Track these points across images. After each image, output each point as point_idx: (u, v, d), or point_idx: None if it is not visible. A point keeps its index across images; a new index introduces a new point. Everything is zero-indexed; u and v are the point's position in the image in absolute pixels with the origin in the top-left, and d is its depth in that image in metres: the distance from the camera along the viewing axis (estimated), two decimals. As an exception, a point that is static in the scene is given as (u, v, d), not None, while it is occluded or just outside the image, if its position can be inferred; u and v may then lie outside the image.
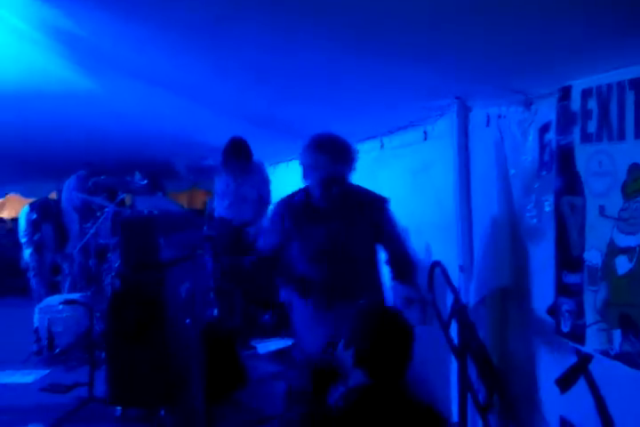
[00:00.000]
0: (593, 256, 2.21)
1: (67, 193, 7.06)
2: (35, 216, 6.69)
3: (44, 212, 6.75)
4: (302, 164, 2.83)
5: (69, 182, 7.10)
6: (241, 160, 5.21)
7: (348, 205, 2.83)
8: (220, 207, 5.75)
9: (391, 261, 3.03)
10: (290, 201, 2.96)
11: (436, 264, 3.08)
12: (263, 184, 5.73)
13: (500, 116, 2.83)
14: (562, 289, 2.40)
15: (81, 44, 3.07)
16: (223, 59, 3.03)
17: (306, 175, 2.84)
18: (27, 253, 6.80)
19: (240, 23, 2.39)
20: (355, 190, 2.91)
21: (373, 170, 4.48)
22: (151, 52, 3.09)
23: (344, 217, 2.81)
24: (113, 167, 6.48)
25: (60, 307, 5.08)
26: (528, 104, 2.64)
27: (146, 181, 5.67)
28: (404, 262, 3.00)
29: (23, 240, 6.75)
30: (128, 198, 6.40)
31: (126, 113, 4.74)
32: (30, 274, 6.93)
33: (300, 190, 2.94)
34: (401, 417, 1.71)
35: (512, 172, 2.80)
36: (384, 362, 1.81)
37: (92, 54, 3.27)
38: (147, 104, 4.39)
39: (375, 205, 2.95)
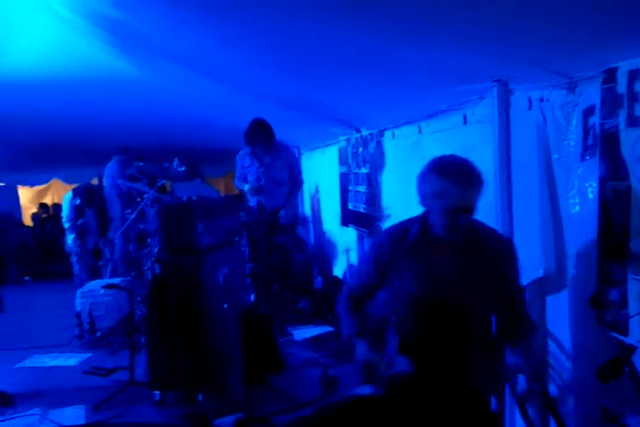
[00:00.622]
0: (638, 244, 2.13)
1: (108, 179, 7.16)
2: (78, 202, 6.80)
3: (88, 197, 6.85)
4: (422, 190, 2.39)
5: (110, 168, 7.20)
6: (263, 140, 5.26)
7: (473, 242, 2.34)
8: (252, 193, 5.72)
9: (504, 321, 2.51)
10: (403, 231, 2.49)
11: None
12: (292, 165, 5.71)
13: (542, 100, 2.74)
14: (605, 278, 2.34)
15: (124, 30, 3.10)
16: (263, 46, 3.03)
17: (425, 203, 2.39)
18: (70, 238, 6.94)
19: (280, 10, 2.37)
20: (479, 226, 2.42)
21: (410, 156, 4.43)
22: (192, 39, 3.10)
23: (468, 254, 2.32)
24: (152, 153, 6.55)
25: (102, 291, 5.18)
26: (572, 87, 2.55)
27: (184, 168, 5.71)
28: (519, 324, 2.48)
29: (67, 226, 6.88)
30: (167, 184, 6.47)
31: (166, 99, 4.78)
32: (73, 259, 7.08)
33: (416, 219, 2.48)
34: (445, 408, 1.67)
35: (554, 157, 2.72)
36: (430, 350, 1.76)
37: (134, 40, 3.30)
38: (187, 90, 4.42)
39: (503, 247, 2.41)
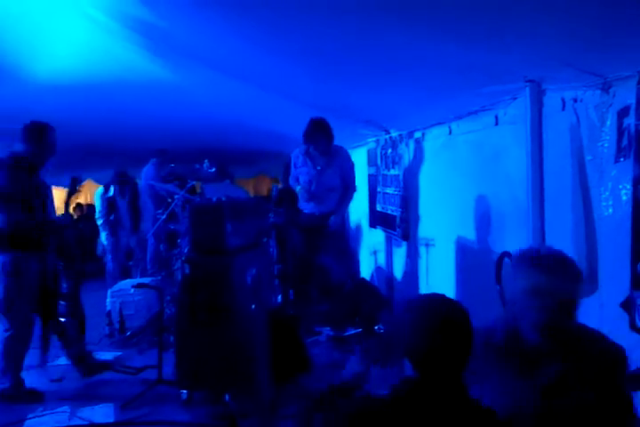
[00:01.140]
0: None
1: (143, 181, 7.21)
2: (110, 194, 6.78)
3: (120, 188, 6.81)
4: (518, 285, 1.96)
5: (146, 170, 7.26)
6: (320, 141, 4.98)
7: (577, 351, 1.90)
8: (303, 197, 5.40)
9: None
10: (487, 339, 2.00)
11: (506, 254, 2.97)
12: (346, 170, 5.35)
13: (575, 100, 2.70)
14: (637, 282, 2.28)
15: (157, 33, 3.14)
16: (292, 48, 3.04)
17: (515, 302, 1.98)
18: (103, 235, 6.97)
19: (309, 12, 2.38)
20: (582, 330, 2.02)
21: (441, 157, 4.40)
22: (222, 42, 3.13)
23: (570, 366, 1.87)
24: (183, 155, 6.62)
25: (132, 291, 5.25)
26: (606, 87, 2.50)
27: (214, 169, 5.75)
28: None
29: (99, 222, 6.87)
30: (197, 186, 6.52)
31: (198, 101, 4.82)
32: (107, 258, 7.13)
33: (499, 323, 2.09)
34: (451, 416, 1.64)
35: (588, 158, 2.67)
36: (430, 357, 1.70)
37: (167, 43, 3.34)
38: (218, 92, 4.45)
39: (616, 362, 1.90)
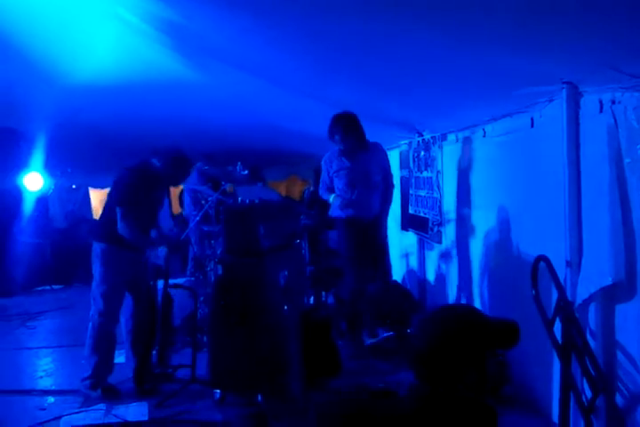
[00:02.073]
0: None
1: (186, 185, 7.16)
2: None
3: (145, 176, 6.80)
4: None
5: (190, 176, 7.23)
6: (350, 137, 4.60)
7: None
8: (342, 202, 4.87)
9: None
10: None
11: (541, 258, 2.95)
12: (386, 167, 4.97)
13: (614, 102, 2.65)
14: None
15: (188, 35, 3.17)
16: (325, 51, 3.05)
17: None
18: None
19: (344, 17, 2.39)
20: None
21: (475, 159, 4.36)
22: (254, 45, 3.15)
23: None
24: (216, 157, 6.67)
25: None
26: (646, 89, 2.46)
27: (247, 171, 5.79)
28: None
29: None
30: (230, 188, 6.54)
31: (230, 103, 4.86)
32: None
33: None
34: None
35: (626, 161, 2.62)
36: (436, 367, 1.68)
37: (198, 46, 3.37)
38: (249, 95, 4.48)
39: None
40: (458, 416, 1.62)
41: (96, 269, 4.08)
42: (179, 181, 4.49)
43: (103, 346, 4.06)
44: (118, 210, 4.00)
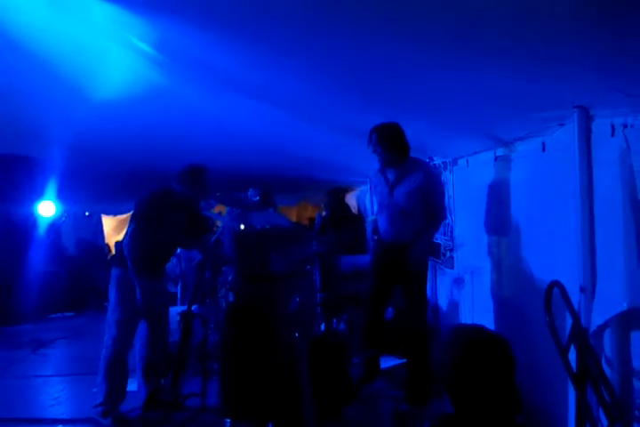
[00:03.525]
0: None
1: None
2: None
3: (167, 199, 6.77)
4: None
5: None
6: (384, 151, 4.06)
7: None
8: (379, 221, 4.38)
9: None
10: None
11: (555, 284, 2.91)
12: (430, 190, 4.09)
13: (625, 126, 2.65)
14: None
15: (200, 64, 3.21)
16: (334, 77, 3.07)
17: None
18: None
19: (350, 42, 2.41)
20: None
21: (486, 184, 4.35)
22: (267, 73, 3.17)
23: None
24: (227, 183, 6.70)
25: (178, 318, 5.28)
26: (659, 112, 2.45)
27: (258, 197, 5.81)
28: None
29: None
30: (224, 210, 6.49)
31: (241, 131, 4.89)
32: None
33: None
34: None
35: (640, 185, 2.60)
36: (471, 395, 1.63)
37: (209, 75, 3.40)
38: (261, 122, 4.51)
39: None
40: None
41: (111, 294, 4.08)
42: (197, 195, 4.37)
43: (116, 373, 4.03)
44: (130, 225, 4.02)
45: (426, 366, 4.19)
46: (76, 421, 4.17)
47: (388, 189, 4.17)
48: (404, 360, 4.65)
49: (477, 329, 1.79)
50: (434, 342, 4.70)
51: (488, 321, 4.23)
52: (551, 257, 3.37)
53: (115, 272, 4.09)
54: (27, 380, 5.36)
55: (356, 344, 4.53)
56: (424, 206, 4.07)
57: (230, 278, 4.88)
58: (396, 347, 5.03)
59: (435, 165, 4.89)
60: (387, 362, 5.00)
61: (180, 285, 7.24)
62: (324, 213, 7.77)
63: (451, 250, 5.08)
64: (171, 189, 4.22)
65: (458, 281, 5.17)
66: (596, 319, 2.79)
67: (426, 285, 4.40)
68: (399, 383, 4.44)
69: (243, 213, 5.52)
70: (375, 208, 4.43)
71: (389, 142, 4.03)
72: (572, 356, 2.75)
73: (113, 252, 10.54)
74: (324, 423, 3.67)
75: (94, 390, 4.14)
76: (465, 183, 4.81)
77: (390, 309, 5.23)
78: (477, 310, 4.71)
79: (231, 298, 4.26)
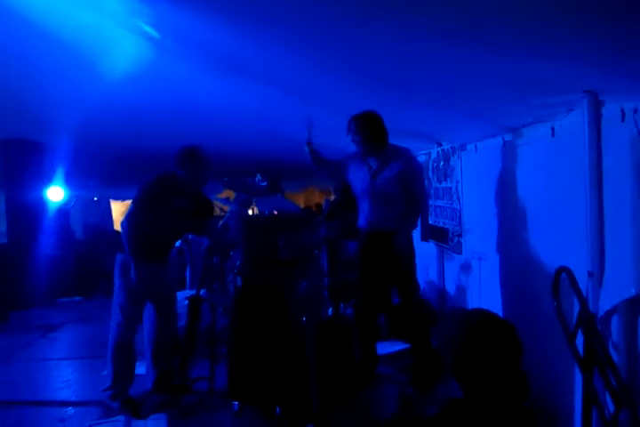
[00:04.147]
0: None
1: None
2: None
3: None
4: None
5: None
6: (364, 138, 4.14)
7: None
8: (360, 209, 4.46)
9: None
10: None
11: (563, 269, 2.90)
12: (410, 178, 4.19)
13: (636, 111, 2.62)
14: None
15: (207, 49, 3.20)
16: (344, 63, 3.05)
17: None
18: None
19: (361, 29, 2.39)
20: None
21: (494, 169, 4.33)
22: (277, 58, 3.16)
23: None
24: (235, 168, 6.70)
25: (185, 302, 5.31)
26: (669, 97, 2.42)
27: (266, 183, 5.80)
28: None
29: None
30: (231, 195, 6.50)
31: (249, 116, 4.88)
32: None
33: None
34: None
35: (650, 170, 2.58)
36: (478, 380, 1.65)
37: (218, 59, 3.39)
38: (269, 107, 4.50)
39: None
40: (495, 421, 1.60)
41: (116, 279, 4.11)
42: (199, 176, 4.30)
43: (123, 357, 4.07)
44: (129, 208, 4.05)
45: (430, 350, 4.23)
46: (86, 403, 4.22)
47: (370, 177, 4.25)
48: (408, 346, 4.68)
49: (484, 313, 1.80)
50: (441, 327, 4.71)
51: (496, 306, 4.24)
52: (560, 242, 3.37)
53: (118, 257, 4.12)
54: (37, 363, 5.42)
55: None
56: (405, 193, 4.18)
57: (238, 263, 4.89)
58: (402, 331, 5.05)
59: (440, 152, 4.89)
60: (393, 347, 5.03)
61: (188, 269, 7.28)
62: (332, 198, 7.77)
63: (459, 235, 5.07)
64: (174, 174, 4.21)
65: (466, 266, 5.17)
66: (604, 305, 2.79)
67: (415, 269, 4.49)
68: (405, 368, 4.47)
69: (250, 198, 5.52)
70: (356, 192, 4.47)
71: (368, 131, 4.12)
72: (580, 341, 2.75)
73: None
74: (332, 407, 3.70)
75: (104, 373, 4.19)
76: (473, 169, 4.80)
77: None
78: (485, 295, 4.71)
79: (239, 283, 4.28)
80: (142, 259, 3.99)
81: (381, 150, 4.22)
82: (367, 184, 4.28)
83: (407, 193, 4.19)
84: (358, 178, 4.38)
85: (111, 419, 3.86)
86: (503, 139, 4.13)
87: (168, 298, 4.34)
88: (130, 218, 3.97)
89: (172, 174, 4.21)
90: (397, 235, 4.17)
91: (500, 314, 4.30)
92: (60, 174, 7.65)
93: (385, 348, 4.98)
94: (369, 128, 4.12)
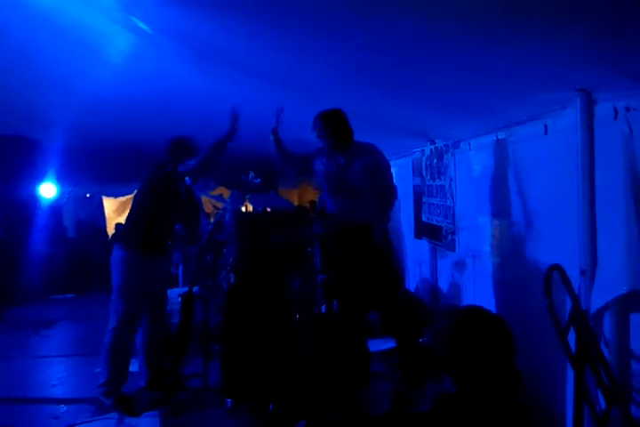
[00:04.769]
0: None
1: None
2: None
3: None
4: None
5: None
6: (329, 136, 4.23)
7: None
8: (328, 202, 4.54)
9: None
10: None
11: (555, 267, 2.91)
12: (377, 171, 4.27)
13: (628, 109, 2.63)
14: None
15: (200, 44, 3.19)
16: (338, 59, 3.05)
17: None
18: None
19: (355, 24, 2.39)
20: None
21: (487, 167, 4.34)
22: (268, 53, 3.15)
23: None
24: (228, 165, 6.69)
25: (179, 299, 5.31)
26: (662, 95, 2.43)
27: (259, 180, 5.80)
28: None
29: None
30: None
31: (242, 112, 4.86)
32: None
33: None
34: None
35: (642, 168, 2.60)
36: (471, 375, 1.66)
37: (211, 54, 3.38)
38: (261, 102, 4.48)
39: None
40: (489, 416, 1.61)
41: (116, 276, 4.07)
42: (180, 160, 4.25)
43: (119, 356, 4.05)
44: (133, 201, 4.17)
45: (417, 347, 4.25)
46: (79, 401, 4.21)
47: (339, 172, 4.30)
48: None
49: (475, 309, 1.81)
50: (433, 324, 4.73)
51: (490, 303, 4.26)
52: (552, 240, 3.38)
53: (119, 253, 4.09)
54: (30, 360, 5.40)
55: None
56: (374, 187, 4.23)
57: (231, 260, 4.89)
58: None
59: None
60: (386, 344, 5.04)
61: (181, 267, 7.26)
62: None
63: (453, 233, 5.08)
64: (170, 168, 4.20)
65: (459, 264, 5.19)
66: (596, 302, 2.81)
67: (394, 264, 4.55)
68: (397, 365, 4.48)
69: (244, 196, 5.52)
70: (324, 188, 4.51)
71: (333, 127, 4.21)
72: (572, 338, 2.76)
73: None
74: (325, 404, 3.71)
75: (97, 370, 4.18)
76: (467, 166, 4.80)
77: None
78: (479, 292, 4.73)
79: (232, 280, 4.29)
80: (148, 254, 3.98)
81: (347, 147, 4.29)
82: (335, 180, 4.34)
83: (376, 187, 4.25)
84: (326, 174, 4.42)
85: (104, 416, 3.85)
86: (496, 136, 4.14)
87: (164, 295, 4.33)
88: (137, 212, 3.98)
89: (169, 169, 4.21)
90: (371, 229, 4.17)
91: (494, 311, 4.31)
92: (52, 171, 7.62)
93: (378, 345, 4.99)
94: (333, 125, 4.21)
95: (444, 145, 5.18)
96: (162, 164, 4.22)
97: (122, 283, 4.03)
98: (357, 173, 4.23)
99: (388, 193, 4.36)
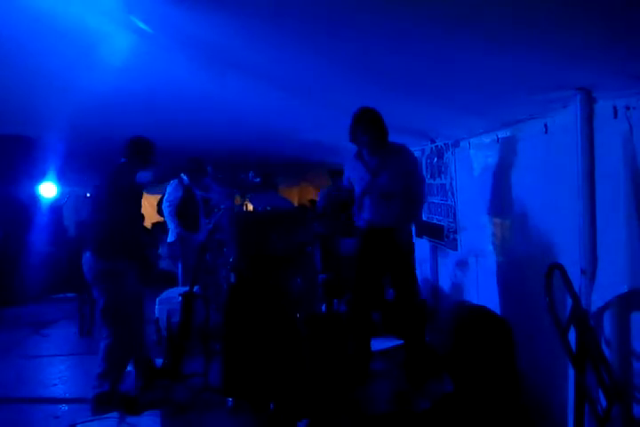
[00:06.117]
0: None
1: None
2: (186, 181, 6.71)
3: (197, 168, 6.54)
4: None
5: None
6: (366, 137, 4.14)
7: None
8: (361, 207, 4.46)
9: None
10: None
11: (555, 266, 2.91)
12: (410, 174, 4.28)
13: (628, 108, 2.62)
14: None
15: (201, 44, 3.18)
16: (338, 57, 3.04)
17: None
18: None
19: (357, 23, 2.39)
20: None
21: (488, 166, 4.34)
22: (269, 53, 3.14)
23: None
24: (228, 164, 6.69)
25: (179, 299, 5.31)
26: (662, 94, 2.43)
27: (259, 179, 5.79)
28: None
29: (166, 211, 6.81)
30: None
31: (243, 112, 4.86)
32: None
33: None
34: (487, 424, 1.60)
35: (642, 167, 2.59)
36: (472, 375, 1.66)
37: (214, 56, 3.37)
38: (262, 102, 4.48)
39: None
40: (490, 417, 1.61)
41: (106, 288, 4.05)
42: (142, 165, 4.32)
43: (116, 355, 4.05)
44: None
45: (423, 346, 4.25)
46: (80, 400, 4.21)
47: (371, 174, 4.27)
48: (403, 342, 4.69)
49: (479, 309, 1.81)
50: (434, 323, 4.73)
51: (493, 303, 4.26)
52: (553, 239, 3.38)
53: (101, 264, 4.10)
54: (29, 360, 5.40)
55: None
56: (405, 191, 4.23)
57: (231, 259, 4.89)
58: (396, 327, 5.06)
59: (442, 146, 4.88)
60: (387, 343, 5.04)
61: (180, 266, 7.26)
62: (325, 190, 7.75)
63: (454, 232, 5.08)
64: (125, 166, 4.25)
65: (462, 263, 5.19)
66: (597, 301, 2.81)
67: (414, 266, 4.53)
68: (399, 364, 4.48)
69: (232, 193, 5.53)
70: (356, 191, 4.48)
71: (376, 131, 4.12)
72: (572, 337, 2.76)
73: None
74: (326, 403, 3.71)
75: (97, 369, 4.18)
76: (467, 165, 4.80)
77: (391, 290, 5.25)
78: (479, 291, 4.73)
79: (232, 279, 4.28)
80: (101, 254, 4.06)
81: (383, 147, 4.24)
82: (368, 182, 4.30)
83: (407, 189, 4.25)
84: (358, 177, 4.38)
85: (105, 415, 3.85)
86: (497, 135, 4.13)
87: (124, 300, 4.26)
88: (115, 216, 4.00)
89: (125, 166, 4.25)
90: (399, 231, 4.22)
91: (497, 311, 4.32)
92: (52, 170, 7.60)
93: (379, 344, 4.99)
94: (376, 128, 4.13)
95: (445, 144, 5.18)
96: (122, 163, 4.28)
97: (117, 293, 4.03)
98: (391, 174, 4.22)
99: (418, 197, 4.38)
